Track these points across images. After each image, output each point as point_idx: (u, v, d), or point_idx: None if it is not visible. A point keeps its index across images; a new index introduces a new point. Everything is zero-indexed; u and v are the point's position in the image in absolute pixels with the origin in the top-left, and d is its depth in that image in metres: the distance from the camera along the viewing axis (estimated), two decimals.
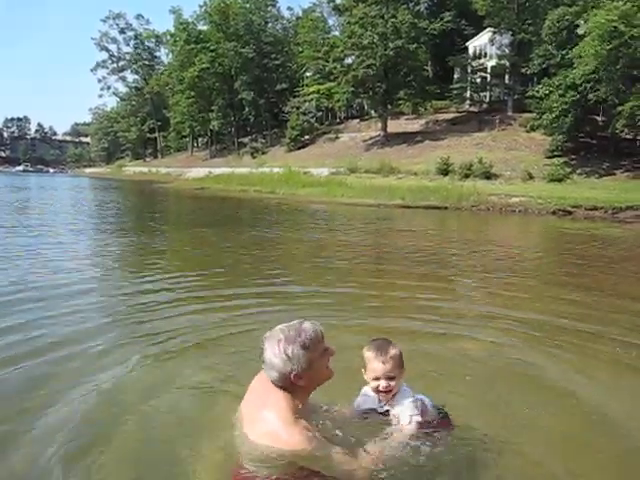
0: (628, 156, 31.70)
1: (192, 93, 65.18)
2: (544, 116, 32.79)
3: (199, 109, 66.72)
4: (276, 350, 2.57)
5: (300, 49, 61.09)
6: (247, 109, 66.52)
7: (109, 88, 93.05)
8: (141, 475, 2.89)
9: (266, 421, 2.53)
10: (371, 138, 47.91)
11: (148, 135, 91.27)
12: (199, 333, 5.05)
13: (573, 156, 32.87)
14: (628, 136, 32.67)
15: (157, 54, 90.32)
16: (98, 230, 14.60)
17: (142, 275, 8.02)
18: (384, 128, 46.34)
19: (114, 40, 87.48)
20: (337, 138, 52.11)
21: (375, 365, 2.90)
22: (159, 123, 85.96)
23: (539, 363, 4.51)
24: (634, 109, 27.60)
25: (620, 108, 28.61)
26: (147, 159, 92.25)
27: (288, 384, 2.60)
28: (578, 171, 31.14)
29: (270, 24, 69.44)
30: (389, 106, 46.46)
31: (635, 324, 5.88)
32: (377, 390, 2.93)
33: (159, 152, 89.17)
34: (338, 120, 61.01)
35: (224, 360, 4.30)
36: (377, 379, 2.90)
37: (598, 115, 34.91)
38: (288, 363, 2.56)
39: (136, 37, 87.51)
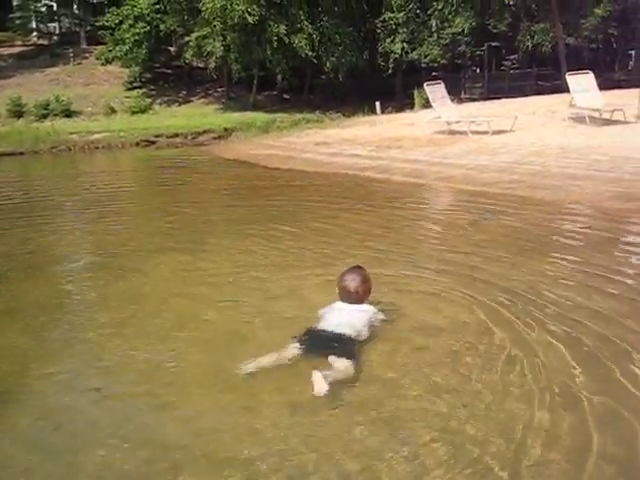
0: (201, 84, 33.63)
1: None
2: (117, 48, 31.88)
3: None
4: None
5: None
6: None
7: None
8: None
9: None
10: None
11: None
12: None
13: (152, 87, 33.22)
14: (200, 65, 34.38)
15: None
16: None
17: None
18: None
19: None
20: None
21: None
22: None
23: None
24: (199, 40, 28.88)
25: (187, 39, 29.67)
26: None
27: None
28: (158, 101, 31.69)
29: None
30: None
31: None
32: None
33: None
34: None
35: None
36: None
37: (171, 46, 35.75)
38: None
39: None
